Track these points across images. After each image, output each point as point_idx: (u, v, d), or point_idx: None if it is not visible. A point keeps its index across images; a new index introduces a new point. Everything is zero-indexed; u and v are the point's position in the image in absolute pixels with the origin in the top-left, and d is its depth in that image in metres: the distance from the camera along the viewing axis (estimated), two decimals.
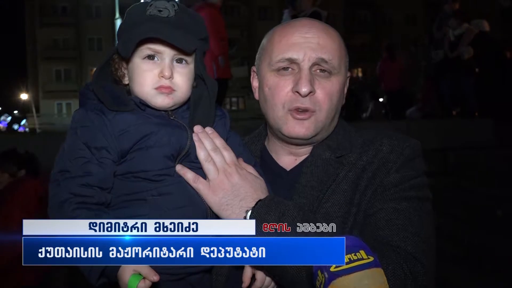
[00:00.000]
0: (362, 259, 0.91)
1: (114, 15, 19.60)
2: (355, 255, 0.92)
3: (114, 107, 1.22)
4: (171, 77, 1.25)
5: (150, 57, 1.26)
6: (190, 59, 1.29)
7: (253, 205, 1.25)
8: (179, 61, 1.28)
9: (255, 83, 1.51)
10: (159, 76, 1.25)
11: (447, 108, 8.72)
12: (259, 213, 1.22)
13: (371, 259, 0.92)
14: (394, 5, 41.07)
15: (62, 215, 1.14)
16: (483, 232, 4.36)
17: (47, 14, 42.96)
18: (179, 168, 1.26)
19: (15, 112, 43.44)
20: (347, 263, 0.91)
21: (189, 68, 1.30)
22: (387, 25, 41.33)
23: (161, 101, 1.26)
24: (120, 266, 1.09)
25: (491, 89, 7.86)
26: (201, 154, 1.28)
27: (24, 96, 43.36)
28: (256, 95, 1.51)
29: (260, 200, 1.26)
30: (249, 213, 1.24)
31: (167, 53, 1.25)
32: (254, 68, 1.53)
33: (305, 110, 1.36)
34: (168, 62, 1.26)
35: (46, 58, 42.97)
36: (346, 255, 0.92)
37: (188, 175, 1.26)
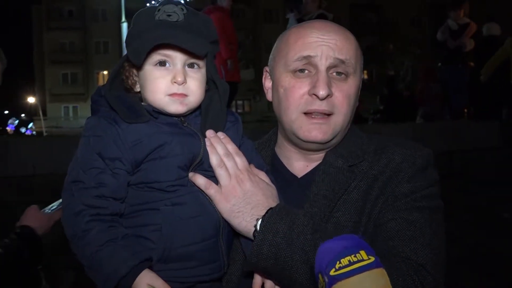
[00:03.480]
0: (363, 260, 0.88)
1: (121, 18, 19.69)
2: (355, 256, 0.88)
3: (130, 119, 1.20)
4: (184, 82, 1.23)
5: (162, 63, 1.23)
6: (202, 63, 1.27)
7: (264, 213, 1.23)
8: (191, 65, 1.25)
9: (267, 84, 1.49)
10: (172, 82, 1.22)
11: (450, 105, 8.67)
12: (269, 221, 1.21)
13: (372, 259, 0.88)
14: (399, 7, 40.96)
15: (76, 226, 1.13)
16: (490, 234, 4.34)
17: (54, 18, 43.23)
18: (191, 175, 1.24)
19: (23, 115, 43.62)
20: (346, 266, 0.87)
21: (201, 73, 1.26)
22: (392, 27, 41.22)
23: (175, 108, 1.23)
24: (135, 279, 1.10)
25: (498, 91, 7.83)
26: (213, 159, 1.26)
27: (31, 100, 43.59)
28: (269, 96, 1.48)
29: (270, 209, 1.23)
30: (259, 222, 1.22)
31: (178, 58, 1.23)
32: (266, 68, 1.50)
33: (322, 113, 1.34)
34: (180, 67, 1.22)
35: (53, 61, 43.23)
36: (345, 257, 0.88)
37: (200, 180, 1.24)
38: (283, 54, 1.40)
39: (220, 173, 1.26)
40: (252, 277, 1.27)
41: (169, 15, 1.22)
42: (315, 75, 1.33)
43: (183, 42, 1.18)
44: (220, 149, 1.27)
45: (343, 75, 1.35)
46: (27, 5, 44.42)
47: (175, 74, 1.22)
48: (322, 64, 1.33)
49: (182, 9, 1.23)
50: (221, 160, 1.27)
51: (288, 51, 1.38)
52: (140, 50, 1.19)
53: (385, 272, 0.89)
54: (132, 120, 1.19)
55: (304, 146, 1.41)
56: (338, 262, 0.88)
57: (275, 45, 1.47)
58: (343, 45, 1.35)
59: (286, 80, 1.37)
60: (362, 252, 0.89)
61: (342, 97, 1.34)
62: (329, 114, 1.34)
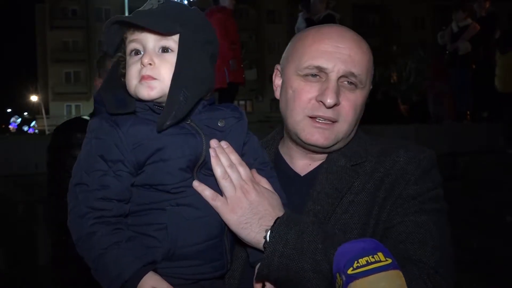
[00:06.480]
0: (380, 261, 0.91)
1: None
2: (372, 257, 0.91)
3: (114, 110, 1.20)
4: (151, 63, 1.20)
5: (137, 52, 1.24)
6: (176, 46, 1.22)
7: (273, 223, 1.23)
8: (166, 50, 1.22)
9: (277, 81, 1.49)
10: (141, 66, 1.21)
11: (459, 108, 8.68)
12: (279, 232, 1.20)
13: (389, 261, 0.91)
14: (403, 8, 40.99)
15: (81, 229, 1.13)
16: (493, 237, 4.33)
17: (57, 16, 43.39)
18: (197, 185, 1.23)
19: (25, 113, 43.88)
20: (364, 265, 0.90)
21: (175, 56, 1.22)
22: (395, 29, 41.25)
23: (145, 93, 1.20)
24: (140, 282, 1.10)
25: (503, 93, 7.81)
26: (218, 171, 1.24)
27: (34, 98, 43.81)
28: (277, 94, 1.49)
29: (278, 218, 1.23)
30: (269, 233, 1.22)
31: (147, 41, 1.21)
32: (278, 66, 1.50)
33: (327, 120, 1.35)
34: (149, 50, 1.21)
35: (56, 60, 43.39)
36: (363, 257, 0.91)
37: (206, 192, 1.23)
38: (296, 56, 1.40)
39: (224, 184, 1.25)
40: (253, 274, 1.27)
41: (145, 7, 1.23)
42: (325, 82, 1.34)
43: (138, 20, 1.17)
44: (224, 160, 1.26)
45: (352, 85, 1.36)
46: (31, 3, 44.64)
47: (142, 56, 1.21)
48: (333, 75, 1.34)
49: (159, 1, 1.23)
50: (225, 172, 1.25)
51: (302, 54, 1.38)
52: (103, 39, 1.23)
53: (402, 275, 0.91)
54: (115, 111, 1.19)
55: (305, 147, 1.42)
56: (356, 262, 0.91)
57: (289, 44, 1.47)
58: (356, 58, 1.35)
59: (296, 81, 1.38)
60: (380, 254, 0.92)
61: (349, 107, 1.35)
62: (333, 121, 1.35)
